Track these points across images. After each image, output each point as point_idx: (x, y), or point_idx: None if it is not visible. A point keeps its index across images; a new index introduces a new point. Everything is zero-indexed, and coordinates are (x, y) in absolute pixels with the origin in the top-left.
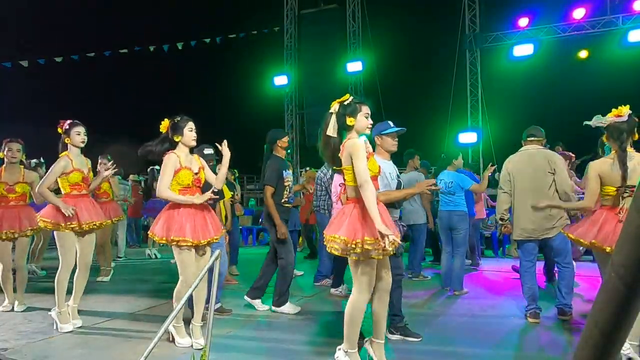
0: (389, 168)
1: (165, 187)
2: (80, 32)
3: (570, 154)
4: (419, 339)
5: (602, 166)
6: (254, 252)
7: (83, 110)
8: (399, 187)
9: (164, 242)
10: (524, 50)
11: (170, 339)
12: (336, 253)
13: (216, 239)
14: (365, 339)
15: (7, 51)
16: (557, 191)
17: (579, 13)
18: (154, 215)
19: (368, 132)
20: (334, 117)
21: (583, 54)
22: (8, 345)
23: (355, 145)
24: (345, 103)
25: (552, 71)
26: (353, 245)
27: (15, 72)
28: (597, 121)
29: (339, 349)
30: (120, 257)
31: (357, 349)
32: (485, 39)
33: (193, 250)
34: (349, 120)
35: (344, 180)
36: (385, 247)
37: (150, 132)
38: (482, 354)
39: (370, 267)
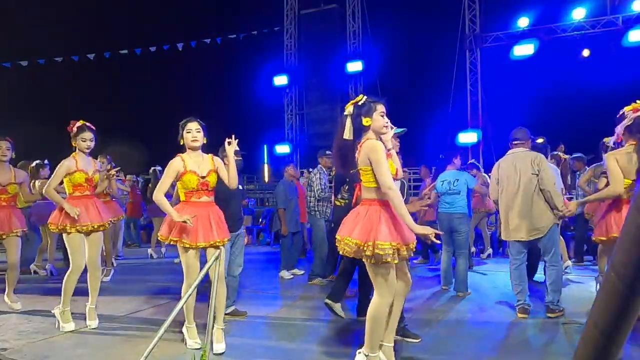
0: None
1: (160, 192)
2: (80, 33)
3: (562, 155)
4: (418, 340)
5: (617, 155)
6: (253, 253)
7: (83, 111)
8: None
9: (168, 242)
10: (524, 50)
11: (185, 341)
12: (348, 255)
13: (219, 243)
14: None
15: (8, 52)
16: (542, 191)
17: (579, 13)
18: (158, 215)
19: (385, 131)
20: (349, 120)
21: (586, 52)
22: (8, 345)
23: (376, 149)
24: (360, 103)
25: (552, 71)
26: (364, 248)
27: (15, 72)
28: (621, 128)
29: (359, 352)
30: (118, 257)
31: (377, 353)
32: (485, 39)
33: (198, 252)
34: (365, 121)
35: (360, 180)
36: (401, 251)
37: (150, 132)
38: (483, 354)
39: (387, 270)
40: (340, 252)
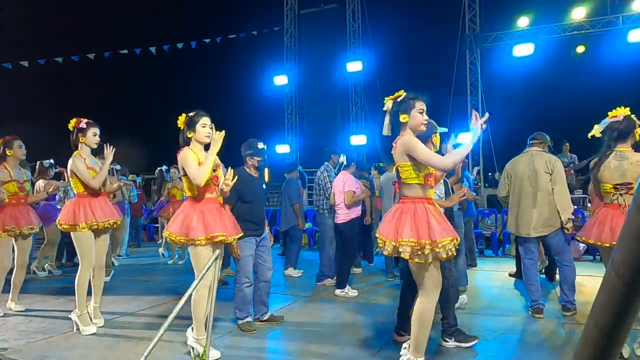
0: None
1: (197, 169)
2: (80, 33)
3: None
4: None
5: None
6: None
7: (83, 111)
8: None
9: (182, 240)
10: (524, 50)
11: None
12: (388, 254)
13: (229, 240)
14: (404, 345)
15: (8, 51)
16: (553, 190)
17: (579, 13)
18: (164, 214)
19: (423, 128)
20: (387, 116)
21: (580, 49)
22: (8, 345)
23: (410, 141)
24: (399, 100)
25: (552, 71)
26: (420, 247)
27: (16, 73)
28: (599, 128)
29: (405, 348)
30: (120, 256)
31: (423, 357)
32: (485, 39)
33: (210, 248)
34: (402, 117)
35: (398, 177)
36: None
37: (151, 132)
38: (481, 354)
39: (436, 269)
40: (385, 254)
